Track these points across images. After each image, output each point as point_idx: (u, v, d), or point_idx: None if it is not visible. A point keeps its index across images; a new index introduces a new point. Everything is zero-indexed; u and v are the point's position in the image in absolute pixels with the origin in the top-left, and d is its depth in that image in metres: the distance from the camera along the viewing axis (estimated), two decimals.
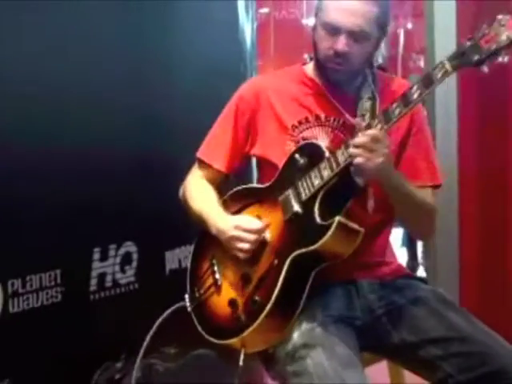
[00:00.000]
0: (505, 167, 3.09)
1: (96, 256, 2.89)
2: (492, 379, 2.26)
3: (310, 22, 8.74)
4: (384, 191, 2.37)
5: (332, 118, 2.48)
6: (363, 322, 2.43)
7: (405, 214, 2.47)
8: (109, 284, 2.94)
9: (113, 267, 2.95)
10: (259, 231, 2.41)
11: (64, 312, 2.74)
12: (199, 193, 2.63)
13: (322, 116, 2.50)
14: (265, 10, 7.98)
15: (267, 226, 2.43)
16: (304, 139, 2.45)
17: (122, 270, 2.99)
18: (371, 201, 2.40)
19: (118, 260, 2.97)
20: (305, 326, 2.32)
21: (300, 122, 2.50)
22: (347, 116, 2.45)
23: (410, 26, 8.74)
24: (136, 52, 3.00)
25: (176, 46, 3.17)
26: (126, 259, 3.00)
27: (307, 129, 2.49)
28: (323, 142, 2.42)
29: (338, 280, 2.45)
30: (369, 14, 2.36)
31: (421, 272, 5.90)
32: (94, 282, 2.89)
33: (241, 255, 2.43)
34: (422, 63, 8.73)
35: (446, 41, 2.93)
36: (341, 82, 2.48)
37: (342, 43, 2.36)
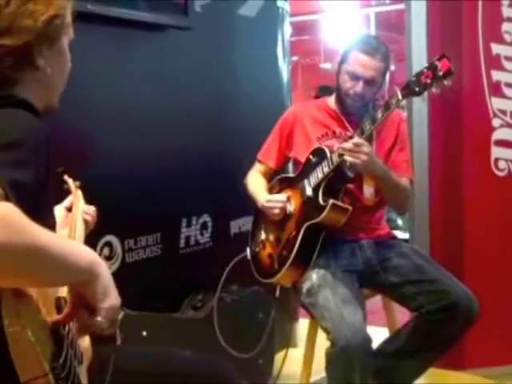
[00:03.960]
0: (459, 161, 3.10)
1: (183, 224, 2.91)
2: (450, 308, 2.25)
3: (325, 65, 8.77)
4: (375, 180, 2.41)
5: (343, 133, 2.49)
6: (363, 269, 2.43)
7: (389, 195, 2.46)
8: (192, 243, 2.95)
9: (195, 231, 2.96)
10: (282, 201, 2.45)
11: (163, 262, 2.77)
12: (254, 181, 2.65)
13: (337, 132, 2.51)
14: (295, 58, 7.99)
15: (288, 199, 2.47)
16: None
17: (201, 234, 2.99)
18: (371, 189, 2.44)
19: (198, 227, 2.98)
20: (321, 271, 2.33)
21: (322, 136, 2.51)
22: (352, 132, 2.44)
23: (393, 67, 8.66)
24: (212, 86, 3.01)
25: (237, 82, 3.16)
26: (204, 226, 3.01)
27: (326, 140, 2.50)
28: (336, 147, 2.40)
29: (346, 240, 2.45)
30: (379, 67, 2.38)
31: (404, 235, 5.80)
32: (182, 241, 2.91)
33: (275, 217, 2.47)
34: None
35: None
36: (352, 110, 2.48)
37: (360, 87, 2.38)
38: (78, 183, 1.86)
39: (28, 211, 0.91)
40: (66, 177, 1.86)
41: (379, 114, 2.26)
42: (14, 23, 1.14)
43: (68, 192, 1.83)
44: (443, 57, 2.12)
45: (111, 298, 1.07)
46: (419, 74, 2.16)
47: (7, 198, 0.89)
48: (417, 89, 2.17)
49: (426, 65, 2.16)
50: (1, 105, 1.04)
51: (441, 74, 2.11)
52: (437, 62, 2.13)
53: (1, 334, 0.93)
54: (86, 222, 1.73)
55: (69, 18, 1.26)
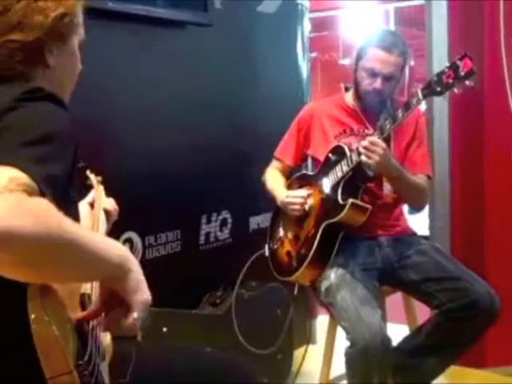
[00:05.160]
0: (480, 158, 3.07)
1: (203, 220, 2.91)
2: (471, 306, 2.24)
3: (344, 62, 8.74)
4: (389, 180, 2.39)
5: (361, 130, 2.48)
6: (382, 266, 2.42)
7: (405, 194, 2.45)
8: (212, 239, 2.96)
9: (214, 228, 2.96)
10: (301, 197, 2.44)
11: (182, 258, 2.77)
12: (272, 178, 2.65)
13: (355, 129, 2.49)
14: (314, 54, 7.96)
15: (308, 195, 2.46)
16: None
17: (221, 230, 2.99)
18: (389, 186, 2.43)
19: (218, 223, 2.98)
20: (339, 270, 2.33)
21: (340, 133, 2.50)
22: (371, 129, 2.44)
23: (412, 63, 8.62)
24: (231, 82, 3.00)
25: (257, 78, 3.16)
26: (223, 222, 3.01)
27: (344, 137, 2.48)
28: (355, 146, 2.38)
29: (365, 237, 2.44)
30: (397, 62, 2.36)
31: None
32: (202, 238, 2.91)
33: (295, 213, 2.46)
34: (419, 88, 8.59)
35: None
36: (371, 106, 2.47)
37: (378, 84, 2.36)
38: (99, 178, 1.87)
39: (57, 205, 0.91)
40: (88, 172, 1.87)
41: (400, 114, 2.24)
42: (25, 19, 1.16)
43: (90, 187, 1.83)
44: (465, 56, 2.09)
45: (144, 292, 1.07)
46: (441, 74, 2.13)
47: (42, 193, 0.90)
48: (438, 88, 2.14)
49: (448, 64, 2.13)
50: (30, 98, 1.05)
51: (463, 74, 2.08)
52: (459, 62, 2.09)
53: (27, 330, 0.93)
54: (108, 212, 1.73)
55: (79, 18, 1.27)
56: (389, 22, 8.95)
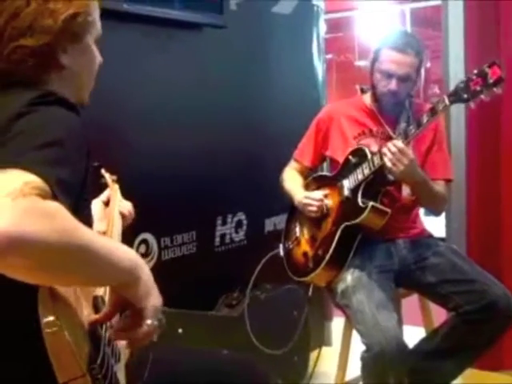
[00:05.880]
0: (497, 160, 3.05)
1: (219, 222, 2.91)
2: (488, 308, 2.22)
3: (360, 63, 8.73)
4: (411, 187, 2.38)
5: (380, 132, 2.46)
6: (399, 268, 2.41)
7: (422, 199, 2.44)
8: (227, 241, 2.96)
9: (230, 229, 2.96)
10: (320, 199, 2.44)
11: (198, 259, 2.78)
12: (290, 179, 2.64)
13: (374, 130, 2.47)
14: (329, 55, 7.95)
15: (326, 196, 2.45)
16: (360, 145, 2.43)
17: (236, 232, 3.00)
18: (408, 189, 2.42)
19: (233, 225, 2.98)
20: (356, 272, 2.31)
21: (359, 134, 2.48)
22: (389, 130, 2.43)
23: (428, 64, 8.61)
24: (247, 84, 3.01)
25: (272, 79, 3.16)
26: (239, 224, 3.01)
27: (363, 139, 2.47)
28: (374, 147, 2.39)
29: (382, 239, 2.42)
30: (413, 63, 2.34)
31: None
32: (217, 239, 2.91)
33: (312, 215, 2.45)
34: (436, 90, 8.60)
35: (455, 75, 2.90)
36: (388, 108, 2.45)
37: (394, 85, 2.34)
38: (114, 177, 1.87)
39: (70, 209, 0.91)
40: (103, 171, 1.87)
41: (425, 119, 2.21)
42: (35, 23, 1.15)
43: (105, 186, 1.84)
44: (493, 64, 2.05)
45: (154, 298, 1.07)
46: (468, 81, 2.10)
47: (55, 197, 0.90)
48: (465, 96, 2.10)
49: (475, 71, 2.11)
50: (42, 103, 1.05)
51: (491, 81, 2.04)
52: (487, 69, 2.06)
53: (39, 334, 0.93)
54: (123, 216, 1.73)
55: (94, 16, 1.25)
56: (405, 23, 8.92)
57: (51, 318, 0.93)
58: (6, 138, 0.97)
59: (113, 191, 1.80)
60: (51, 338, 0.93)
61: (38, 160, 0.93)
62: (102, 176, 1.86)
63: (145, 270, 1.05)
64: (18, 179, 0.87)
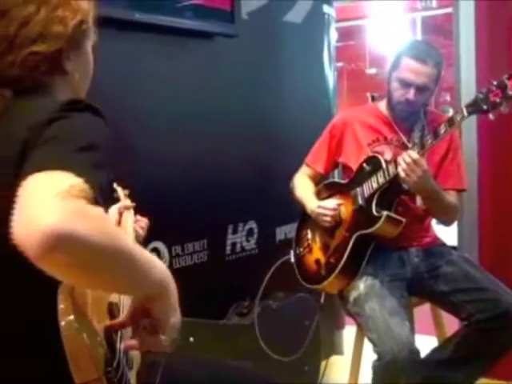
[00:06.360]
0: (509, 169, 3.04)
1: (230, 230, 2.91)
2: (501, 317, 2.22)
3: (371, 71, 8.73)
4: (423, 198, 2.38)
5: (394, 139, 2.45)
6: (411, 277, 2.40)
7: (434, 210, 2.43)
8: (238, 249, 2.96)
9: (241, 238, 2.96)
10: (334, 209, 2.43)
11: (209, 268, 2.77)
12: (301, 185, 2.63)
13: (388, 137, 2.47)
14: (340, 64, 7.96)
15: (339, 205, 2.44)
16: (374, 153, 2.43)
17: (247, 240, 2.99)
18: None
19: (244, 233, 2.98)
20: (369, 280, 2.31)
21: (373, 141, 2.47)
22: (404, 138, 2.43)
23: None
24: (258, 92, 3.01)
25: (284, 88, 3.16)
26: (250, 233, 3.01)
27: (377, 146, 2.46)
28: (388, 155, 2.38)
29: (395, 248, 2.42)
30: (431, 74, 2.33)
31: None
32: (228, 248, 2.91)
33: (326, 224, 2.44)
34: (447, 98, 8.58)
35: (466, 83, 2.90)
36: (403, 117, 2.44)
37: (411, 94, 2.33)
38: (127, 192, 1.88)
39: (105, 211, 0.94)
40: (115, 185, 1.88)
41: (442, 130, 2.19)
42: (45, 30, 1.16)
43: (117, 200, 1.84)
44: None
45: (176, 316, 1.06)
46: (487, 92, 2.09)
47: (96, 201, 0.91)
48: (485, 107, 2.09)
49: (495, 82, 2.10)
50: (73, 109, 1.06)
51: (511, 93, 2.04)
52: (506, 81, 2.05)
53: (57, 334, 0.94)
54: (136, 231, 1.74)
55: (91, 22, 1.27)
56: (416, 31, 8.92)
57: (70, 319, 0.94)
58: (42, 140, 0.98)
59: (126, 205, 1.81)
60: (69, 339, 0.94)
61: (81, 163, 0.94)
62: (115, 190, 1.86)
63: (172, 285, 1.05)
64: (65, 181, 0.88)
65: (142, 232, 1.80)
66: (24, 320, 1.06)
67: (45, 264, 0.85)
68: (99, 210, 0.90)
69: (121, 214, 1.76)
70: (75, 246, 0.84)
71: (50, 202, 0.84)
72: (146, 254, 0.99)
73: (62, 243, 0.83)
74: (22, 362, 1.06)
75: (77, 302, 0.98)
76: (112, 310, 1.13)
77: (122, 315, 1.11)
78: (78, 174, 0.91)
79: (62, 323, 0.94)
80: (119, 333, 1.12)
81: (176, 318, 1.06)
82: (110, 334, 1.07)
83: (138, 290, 1.02)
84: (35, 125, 1.01)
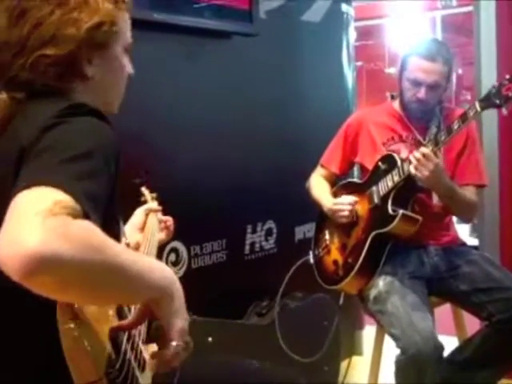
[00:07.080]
0: None
1: (249, 230, 2.91)
2: None
3: (390, 70, 8.67)
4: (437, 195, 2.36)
5: (410, 137, 2.44)
6: (431, 276, 2.38)
7: (450, 206, 2.41)
8: (257, 249, 2.96)
9: (260, 238, 2.96)
10: (350, 203, 2.42)
11: (228, 268, 2.77)
12: (317, 186, 2.62)
13: (404, 136, 2.45)
14: (359, 63, 7.93)
15: (356, 202, 2.43)
16: (390, 151, 2.41)
17: (266, 240, 2.99)
18: None
19: (263, 233, 2.98)
20: (388, 278, 2.30)
21: (388, 140, 2.46)
22: (419, 137, 2.42)
23: (460, 71, 8.55)
24: (276, 92, 3.01)
25: (302, 88, 3.16)
26: (269, 232, 3.01)
27: (393, 144, 2.45)
28: (404, 153, 2.37)
29: (413, 246, 2.40)
30: (442, 71, 2.32)
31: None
32: (247, 247, 2.91)
33: (343, 220, 2.43)
34: (468, 96, 8.54)
35: (487, 81, 2.87)
36: (417, 115, 2.43)
37: (422, 93, 2.33)
38: (154, 195, 1.88)
39: (99, 223, 0.91)
40: (143, 189, 1.89)
41: (455, 126, 2.18)
42: (58, 32, 1.13)
43: (144, 203, 1.85)
44: None
45: (182, 319, 1.05)
46: (500, 86, 2.08)
47: (85, 214, 0.89)
48: (497, 101, 2.08)
49: (508, 76, 2.08)
50: (73, 113, 1.04)
51: None
52: None
53: (57, 338, 0.94)
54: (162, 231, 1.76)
55: (121, 25, 1.23)
56: (435, 30, 8.86)
57: (69, 327, 0.93)
58: (36, 150, 0.97)
59: (152, 208, 1.81)
60: (69, 344, 0.93)
61: (66, 176, 0.92)
62: (142, 194, 1.88)
63: (177, 289, 1.03)
64: (48, 197, 0.86)
65: (167, 232, 1.82)
66: (24, 325, 1.05)
67: (30, 286, 0.84)
68: (84, 224, 0.87)
69: (147, 215, 1.77)
70: (58, 266, 0.83)
71: (31, 223, 0.82)
72: (141, 261, 0.97)
73: (45, 265, 0.81)
74: (21, 367, 1.05)
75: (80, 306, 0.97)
76: (120, 310, 1.12)
77: (131, 316, 1.10)
78: (64, 188, 0.88)
79: (62, 329, 0.93)
80: (127, 333, 1.10)
81: (183, 321, 1.04)
82: (117, 334, 1.06)
83: (135, 298, 1.01)
84: (31, 133, 1.00)
